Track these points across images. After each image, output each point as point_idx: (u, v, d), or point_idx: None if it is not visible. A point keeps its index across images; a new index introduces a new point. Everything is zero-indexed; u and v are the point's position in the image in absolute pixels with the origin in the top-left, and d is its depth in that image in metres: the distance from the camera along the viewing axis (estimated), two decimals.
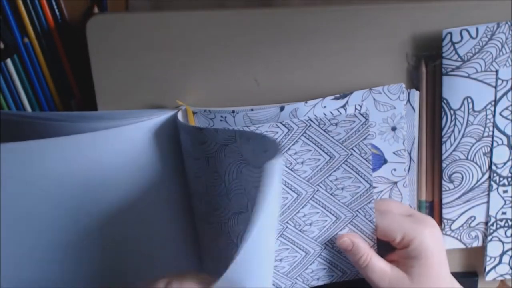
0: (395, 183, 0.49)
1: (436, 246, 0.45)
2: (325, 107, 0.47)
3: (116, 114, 0.48)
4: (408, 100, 0.48)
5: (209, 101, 0.49)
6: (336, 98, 0.47)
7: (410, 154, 0.49)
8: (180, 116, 0.47)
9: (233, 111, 0.46)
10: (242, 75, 0.48)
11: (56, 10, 0.50)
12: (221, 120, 0.46)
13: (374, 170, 0.48)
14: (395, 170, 0.49)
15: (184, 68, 0.48)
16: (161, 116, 0.46)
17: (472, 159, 0.49)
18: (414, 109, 0.48)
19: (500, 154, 0.49)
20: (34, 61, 0.50)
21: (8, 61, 0.50)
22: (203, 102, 0.49)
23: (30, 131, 0.49)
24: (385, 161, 0.48)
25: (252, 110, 0.46)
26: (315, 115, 0.46)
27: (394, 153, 0.48)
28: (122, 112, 0.48)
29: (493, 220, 0.51)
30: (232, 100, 0.49)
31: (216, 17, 0.47)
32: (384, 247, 0.47)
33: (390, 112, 0.47)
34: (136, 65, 0.48)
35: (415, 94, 0.48)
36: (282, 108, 0.46)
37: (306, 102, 0.46)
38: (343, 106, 0.47)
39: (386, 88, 0.47)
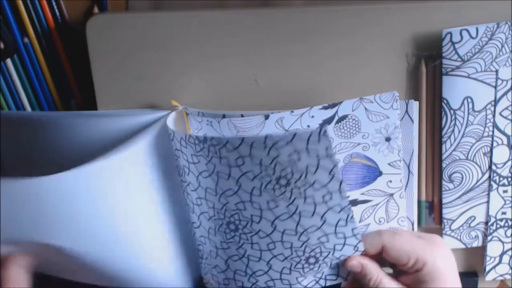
0: (391, 195, 0.47)
1: (449, 269, 0.43)
2: (313, 116, 0.44)
3: (115, 113, 0.48)
4: (406, 111, 0.46)
5: (209, 101, 0.49)
6: (325, 108, 0.44)
7: (409, 167, 0.47)
8: (173, 117, 0.47)
9: (224, 116, 0.45)
10: (242, 75, 0.48)
11: (56, 10, 0.50)
12: (207, 125, 0.46)
13: (368, 182, 0.47)
14: (390, 181, 0.47)
15: (184, 68, 0.48)
16: (152, 115, 0.46)
17: (472, 159, 0.49)
18: (412, 121, 0.46)
19: (500, 154, 0.49)
20: (34, 61, 0.50)
21: (8, 61, 0.50)
22: (203, 102, 0.49)
23: (30, 131, 0.50)
24: (380, 173, 0.46)
25: (242, 115, 0.45)
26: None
27: (389, 164, 0.46)
28: (120, 112, 0.49)
29: (493, 220, 0.51)
30: (232, 100, 0.49)
31: (216, 17, 0.47)
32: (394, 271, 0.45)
33: (383, 122, 0.45)
34: (136, 65, 0.48)
35: (414, 105, 0.46)
36: (267, 117, 0.44)
37: (292, 111, 0.44)
38: (333, 116, 0.45)
39: (377, 97, 0.44)
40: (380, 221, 0.48)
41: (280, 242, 0.43)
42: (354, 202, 0.47)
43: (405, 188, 0.48)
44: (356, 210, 0.47)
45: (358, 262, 0.44)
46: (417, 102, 0.46)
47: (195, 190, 0.44)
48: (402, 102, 0.45)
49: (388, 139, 0.45)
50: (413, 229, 0.49)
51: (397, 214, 0.48)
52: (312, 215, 0.42)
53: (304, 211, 0.42)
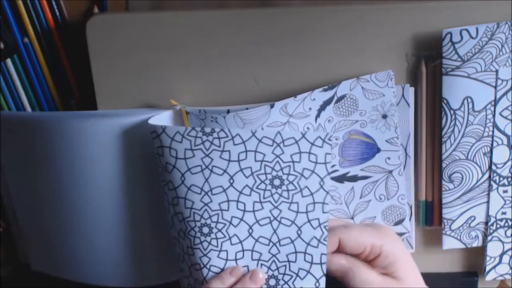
0: (390, 171, 0.49)
1: (403, 248, 0.45)
2: (314, 99, 0.46)
3: (115, 113, 0.48)
4: (403, 95, 0.47)
5: (209, 101, 0.49)
6: (325, 90, 0.46)
7: (405, 150, 0.49)
8: (171, 117, 0.47)
9: (228, 111, 0.46)
10: (242, 75, 0.48)
11: (56, 10, 0.50)
12: (211, 121, 0.46)
13: (367, 159, 0.48)
14: (389, 158, 0.48)
15: (184, 68, 0.48)
16: (152, 115, 0.46)
17: (472, 159, 0.49)
18: (408, 105, 0.47)
19: (500, 154, 0.49)
20: (34, 61, 0.50)
21: (8, 61, 0.50)
22: (203, 102, 0.49)
23: (30, 131, 0.50)
24: (378, 150, 0.48)
25: (247, 109, 0.45)
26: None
27: (386, 141, 0.48)
28: (120, 112, 0.49)
29: (493, 220, 0.51)
30: (232, 100, 0.49)
31: (216, 17, 0.47)
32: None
33: (380, 100, 0.47)
34: (136, 65, 0.48)
35: (410, 90, 0.47)
36: (272, 106, 0.45)
37: (295, 97, 0.46)
38: (332, 97, 0.46)
39: (373, 76, 0.46)
40: (380, 198, 0.49)
41: (249, 252, 0.44)
42: (354, 178, 0.49)
43: (403, 168, 0.49)
44: (357, 186, 0.49)
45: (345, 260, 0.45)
46: (413, 88, 0.47)
47: (174, 189, 0.44)
48: (398, 87, 0.47)
49: (384, 116, 0.47)
50: (411, 213, 0.50)
51: (397, 192, 0.49)
52: (291, 224, 0.43)
53: (284, 218, 0.43)
